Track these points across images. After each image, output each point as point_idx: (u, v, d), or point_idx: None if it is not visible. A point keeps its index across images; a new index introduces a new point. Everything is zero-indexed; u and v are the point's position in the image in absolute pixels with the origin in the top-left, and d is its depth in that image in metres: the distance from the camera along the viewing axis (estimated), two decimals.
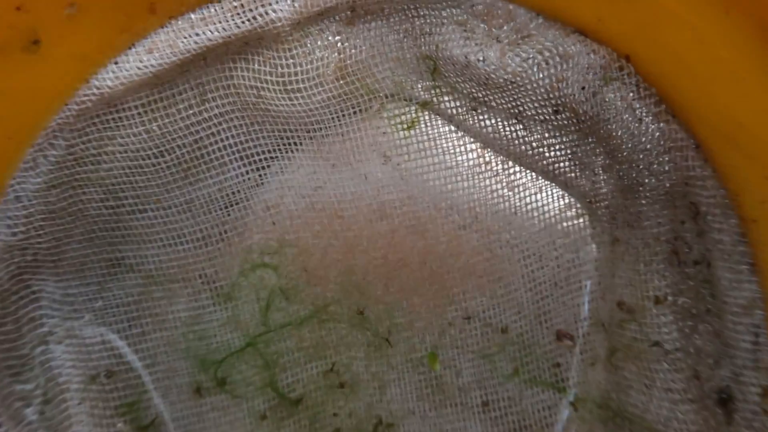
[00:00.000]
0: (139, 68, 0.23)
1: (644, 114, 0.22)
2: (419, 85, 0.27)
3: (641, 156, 0.23)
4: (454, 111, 0.27)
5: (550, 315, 0.28)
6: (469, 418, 0.29)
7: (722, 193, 0.23)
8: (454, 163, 0.28)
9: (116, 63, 0.23)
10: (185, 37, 0.23)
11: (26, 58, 0.20)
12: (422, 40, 0.25)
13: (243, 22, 0.23)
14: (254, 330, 0.29)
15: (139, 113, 0.25)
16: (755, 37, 0.18)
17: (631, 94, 0.22)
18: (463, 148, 0.28)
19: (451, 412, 0.29)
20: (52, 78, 0.22)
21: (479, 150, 0.28)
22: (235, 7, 0.23)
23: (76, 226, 0.26)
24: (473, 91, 0.26)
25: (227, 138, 0.27)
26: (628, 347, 0.25)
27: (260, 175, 0.28)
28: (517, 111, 0.26)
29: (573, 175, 0.27)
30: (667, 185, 0.23)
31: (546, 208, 0.28)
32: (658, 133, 0.22)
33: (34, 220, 0.24)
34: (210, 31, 0.23)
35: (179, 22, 0.23)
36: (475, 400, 0.28)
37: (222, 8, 0.23)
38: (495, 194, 0.28)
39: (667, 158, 0.23)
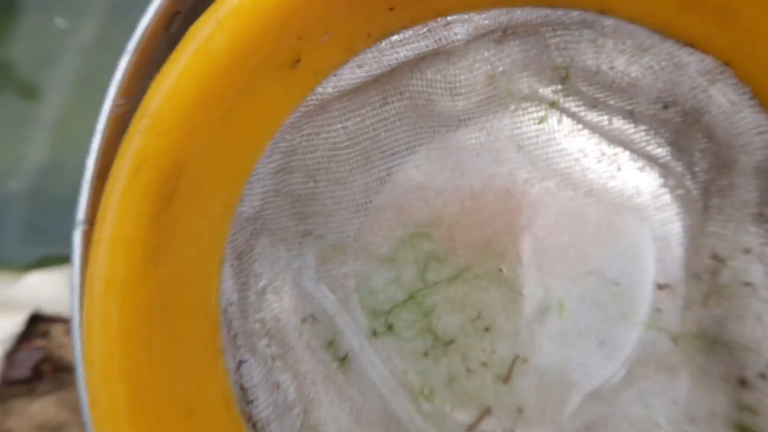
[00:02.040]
0: (351, 79, 0.31)
1: (741, 106, 0.30)
2: (549, 89, 0.34)
3: (737, 139, 0.30)
4: (577, 109, 0.34)
5: (651, 270, 0.35)
6: (589, 354, 0.35)
7: None
8: (574, 151, 0.35)
9: (335, 75, 0.31)
10: (387, 55, 0.31)
11: (289, 72, 0.28)
12: (558, 53, 0.32)
13: (431, 42, 0.31)
14: (414, 286, 0.36)
15: (339, 113, 0.33)
16: None
17: (731, 92, 0.30)
18: (582, 139, 0.35)
19: (573, 350, 0.35)
20: (296, 88, 0.29)
21: (596, 140, 0.35)
22: (425, 31, 0.31)
23: (286, 203, 0.33)
24: (596, 92, 0.33)
25: (398, 132, 0.34)
26: (721, 289, 0.32)
27: (419, 161, 0.36)
28: (630, 108, 0.33)
29: (669, 157, 0.34)
30: (757, 161, 0.30)
31: (648, 184, 0.35)
32: (750, 120, 0.30)
33: (266, 196, 0.32)
34: (405, 50, 0.31)
35: (382, 44, 0.31)
36: (592, 340, 0.35)
37: (414, 31, 0.31)
38: (606, 174, 0.35)
39: (758, 140, 0.30)
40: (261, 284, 0.33)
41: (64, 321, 0.46)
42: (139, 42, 0.27)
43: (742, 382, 0.31)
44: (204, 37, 0.23)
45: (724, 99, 0.29)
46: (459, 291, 0.35)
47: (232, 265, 0.31)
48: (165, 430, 0.25)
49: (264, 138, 0.30)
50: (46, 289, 0.50)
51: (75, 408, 0.47)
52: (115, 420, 0.23)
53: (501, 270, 0.35)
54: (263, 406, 0.31)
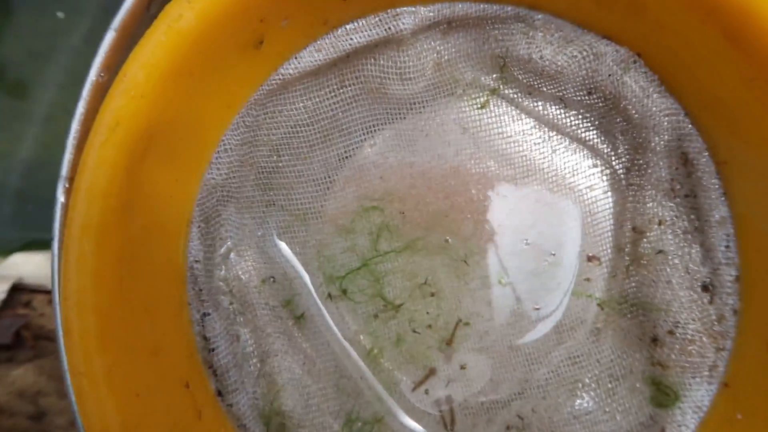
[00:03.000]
0: (310, 62, 0.34)
1: (651, 92, 0.34)
2: (490, 77, 0.38)
3: (649, 121, 0.34)
4: (515, 95, 0.38)
5: (582, 244, 0.39)
6: (524, 319, 0.39)
7: (703, 145, 0.34)
8: (513, 134, 0.39)
9: (296, 58, 0.34)
10: (342, 41, 0.34)
11: (254, 52, 0.31)
12: (496, 44, 0.36)
13: (381, 31, 0.34)
14: (367, 255, 0.39)
15: (300, 94, 0.36)
16: (722, 39, 0.30)
17: (642, 79, 0.34)
18: (519, 122, 0.39)
19: (510, 315, 0.39)
20: (261, 68, 0.33)
21: (531, 123, 0.39)
22: (376, 21, 0.34)
23: (251, 173, 0.37)
24: (530, 80, 0.37)
25: (354, 113, 0.38)
26: (640, 258, 0.36)
27: (374, 141, 0.39)
28: (560, 95, 0.37)
29: (598, 140, 0.38)
30: (666, 140, 0.34)
31: (578, 165, 0.39)
32: (660, 105, 0.34)
33: (232, 166, 0.35)
34: (358, 37, 0.34)
35: (338, 31, 0.34)
36: (528, 306, 0.39)
37: (366, 21, 0.34)
38: (542, 156, 0.39)
39: (666, 122, 0.34)
40: (226, 247, 0.36)
41: (46, 292, 0.49)
42: (122, 21, 0.31)
43: (654, 340, 0.35)
44: (176, 14, 0.27)
45: (636, 85, 0.34)
46: (408, 260, 0.39)
47: (199, 226, 0.34)
48: (131, 363, 0.28)
49: (230, 112, 0.34)
50: (30, 265, 0.53)
51: (53, 375, 0.50)
52: (86, 347, 0.26)
53: (447, 241, 0.39)
54: (223, 355, 0.34)
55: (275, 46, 0.32)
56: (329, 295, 0.38)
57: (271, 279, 0.37)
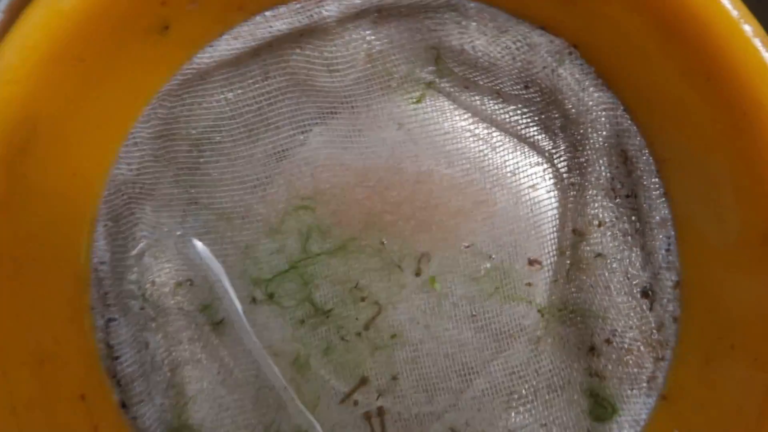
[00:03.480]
0: (227, 50, 0.32)
1: (587, 85, 0.32)
2: (425, 69, 0.36)
3: (586, 115, 0.32)
4: (451, 89, 0.36)
5: (523, 246, 0.37)
6: (461, 326, 0.37)
7: (642, 142, 0.32)
8: (451, 130, 0.37)
9: (211, 46, 0.32)
10: (261, 28, 0.32)
11: (159, 38, 0.29)
12: (429, 35, 0.34)
13: (303, 18, 0.32)
14: (296, 257, 0.37)
15: (221, 85, 0.34)
16: (657, 29, 0.28)
17: (577, 71, 0.32)
18: (458, 118, 0.37)
19: (447, 322, 0.37)
20: (170, 55, 0.31)
21: (470, 120, 0.37)
22: (298, 7, 0.32)
23: (169, 170, 0.34)
24: (466, 73, 0.35)
25: (282, 107, 0.36)
26: (579, 261, 0.34)
27: (304, 137, 0.37)
28: (497, 89, 0.35)
29: (539, 137, 0.36)
30: (605, 136, 0.32)
31: (519, 164, 0.37)
32: (597, 98, 0.32)
33: (144, 161, 0.33)
34: (279, 24, 0.32)
35: (257, 18, 0.32)
36: (465, 312, 0.37)
37: (288, 8, 0.32)
38: (481, 154, 0.37)
39: (603, 117, 0.32)
40: (139, 247, 0.34)
41: None
42: (11, 2, 0.28)
43: (592, 349, 0.33)
44: None
45: (571, 78, 0.32)
46: (340, 262, 0.37)
47: (105, 225, 0.32)
48: (7, 374, 0.25)
49: (139, 102, 0.31)
50: None
51: None
52: None
53: (382, 243, 0.37)
54: (129, 363, 0.31)
55: (184, 31, 0.29)
56: (253, 299, 0.36)
57: (189, 282, 0.34)
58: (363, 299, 0.36)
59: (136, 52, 0.29)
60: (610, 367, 0.32)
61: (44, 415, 0.26)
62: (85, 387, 0.29)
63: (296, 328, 0.36)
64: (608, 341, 0.32)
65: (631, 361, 0.31)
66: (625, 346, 0.32)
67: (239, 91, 0.34)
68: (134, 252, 0.34)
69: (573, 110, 0.32)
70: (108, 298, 0.32)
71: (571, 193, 0.35)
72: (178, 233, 0.35)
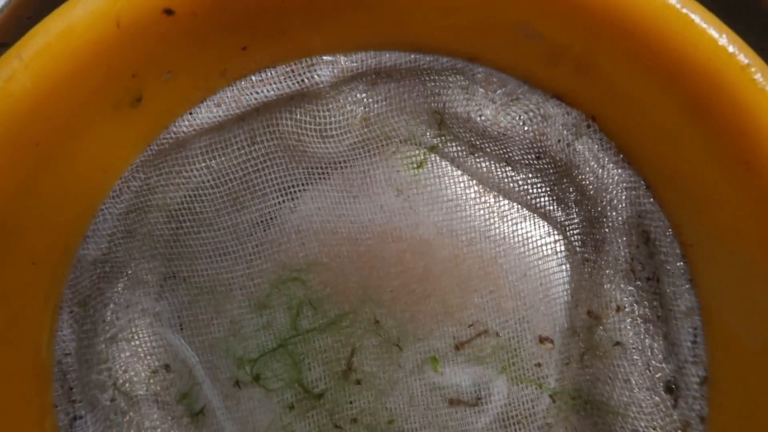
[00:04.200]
0: (209, 118, 0.29)
1: (606, 162, 0.29)
2: (428, 133, 0.33)
3: (604, 194, 0.29)
4: (456, 155, 0.33)
5: (532, 323, 0.34)
6: (466, 411, 0.34)
7: (666, 224, 0.29)
8: (455, 197, 0.34)
9: (191, 113, 0.29)
10: (247, 95, 0.29)
11: (129, 111, 0.26)
12: (432, 98, 0.31)
13: (293, 83, 0.29)
14: (285, 334, 0.34)
15: (201, 153, 0.31)
16: (684, 107, 0.25)
17: (596, 146, 0.29)
18: (462, 185, 0.34)
19: (449, 408, 0.34)
20: (144, 126, 0.28)
21: (476, 187, 0.34)
22: (287, 71, 0.29)
23: (144, 244, 0.31)
24: (472, 139, 0.32)
25: (269, 173, 0.33)
26: (596, 347, 0.31)
27: (293, 204, 0.34)
28: (507, 156, 0.32)
29: (551, 208, 0.33)
30: (625, 217, 0.29)
31: (529, 234, 0.34)
32: (617, 177, 0.29)
33: (115, 238, 0.30)
34: (267, 90, 0.29)
35: (242, 83, 0.29)
36: (470, 395, 0.34)
37: (276, 72, 0.29)
38: (488, 222, 0.34)
39: (624, 196, 0.29)
40: (112, 331, 0.31)
41: None
42: None
43: None
44: (6, 76, 0.21)
45: (589, 154, 0.29)
46: (332, 340, 0.34)
47: (71, 311, 0.29)
48: None
49: (108, 177, 0.28)
50: None
51: None
52: None
53: (377, 320, 0.34)
54: None
55: (159, 102, 0.26)
56: (238, 382, 0.33)
57: (165, 368, 0.31)
58: (358, 382, 0.33)
59: (104, 127, 0.26)
60: None
61: None
62: None
63: (285, 413, 0.33)
64: None
65: None
66: None
67: (222, 158, 0.31)
68: (106, 337, 0.30)
69: (590, 187, 0.29)
70: (73, 394, 0.28)
71: (586, 269, 0.32)
72: (155, 310, 0.32)
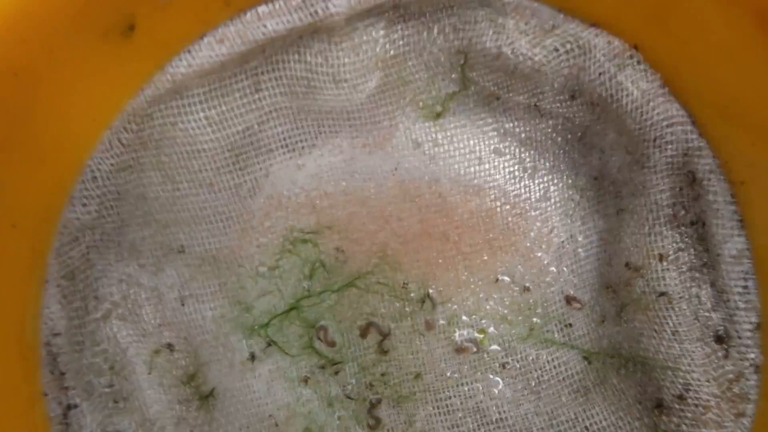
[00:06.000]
0: (210, 57, 0.26)
1: (652, 95, 0.27)
2: (449, 78, 0.30)
3: (649, 132, 0.27)
4: (477, 103, 0.30)
5: (560, 281, 0.32)
6: (492, 376, 0.31)
7: (715, 161, 0.27)
8: (476, 149, 0.32)
9: (189, 51, 0.25)
10: (253, 29, 0.26)
11: (121, 42, 0.22)
12: (454, 35, 0.29)
13: (305, 15, 0.26)
14: (297, 296, 0.31)
15: (200, 100, 0.27)
16: (751, 23, 0.23)
17: (641, 79, 0.27)
18: (484, 136, 0.31)
19: (475, 371, 0.31)
20: (137, 63, 0.24)
21: (499, 137, 0.31)
22: (299, 1, 0.26)
23: (137, 209, 0.28)
24: (498, 83, 0.29)
25: (275, 126, 0.29)
26: (637, 301, 0.29)
27: (302, 161, 0.31)
28: (535, 102, 0.29)
29: (582, 156, 0.31)
30: (669, 156, 0.27)
31: (557, 186, 0.32)
32: (662, 111, 0.27)
33: (106, 200, 0.26)
34: (275, 23, 0.26)
35: (248, 15, 0.26)
36: (497, 360, 0.31)
37: (286, 3, 0.26)
38: (511, 175, 0.32)
39: (669, 132, 0.27)
40: (104, 308, 0.27)
41: None
42: None
43: (659, 406, 0.28)
44: None
45: (633, 87, 0.26)
46: (350, 302, 0.31)
47: (59, 285, 0.25)
48: None
49: (97, 126, 0.24)
50: None
51: None
52: None
53: (396, 279, 0.31)
54: None
55: (154, 32, 0.23)
56: (251, 356, 0.30)
57: (168, 347, 0.28)
58: (379, 345, 0.30)
59: (93, 60, 0.22)
60: (684, 427, 0.27)
61: None
62: None
63: (303, 386, 0.30)
64: (681, 397, 0.27)
65: (710, 420, 0.27)
66: (702, 402, 0.27)
67: (223, 108, 0.28)
68: (98, 315, 0.27)
69: (633, 125, 0.27)
70: (65, 380, 0.25)
71: (621, 220, 0.30)
72: (152, 284, 0.29)
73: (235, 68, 0.27)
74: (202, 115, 0.27)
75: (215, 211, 0.29)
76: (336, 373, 0.30)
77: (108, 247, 0.27)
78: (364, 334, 0.31)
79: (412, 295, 0.31)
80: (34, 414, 0.23)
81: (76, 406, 0.25)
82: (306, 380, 0.30)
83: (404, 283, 0.31)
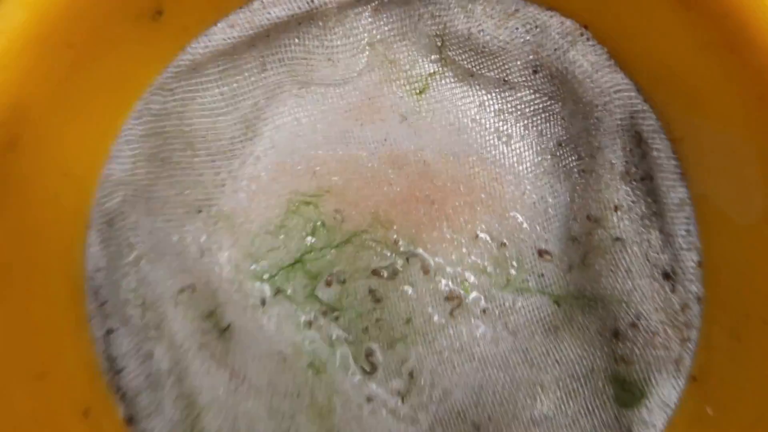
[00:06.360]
0: (223, 39, 0.30)
1: (599, 66, 0.31)
2: (429, 58, 0.35)
3: (599, 99, 0.31)
4: (455, 79, 0.35)
5: (533, 236, 0.36)
6: (475, 321, 0.36)
7: (657, 123, 0.31)
8: (455, 121, 0.36)
9: (206, 35, 0.30)
10: (260, 15, 0.31)
11: (151, 25, 0.27)
12: (432, 21, 0.33)
13: (304, 4, 0.31)
14: (302, 251, 0.35)
15: (215, 78, 0.32)
16: (675, 1, 0.27)
17: (590, 53, 0.31)
18: (462, 109, 0.36)
19: (459, 317, 0.35)
20: (163, 44, 0.29)
21: (475, 110, 0.36)
22: None
23: (164, 170, 0.32)
24: (472, 61, 0.34)
25: (279, 101, 0.34)
26: (597, 247, 0.33)
27: (303, 132, 0.36)
28: (504, 76, 0.34)
29: (547, 124, 0.35)
30: (618, 119, 0.32)
31: (527, 152, 0.36)
32: (609, 80, 0.31)
33: (137, 160, 0.31)
34: (278, 11, 0.31)
35: (255, 4, 0.31)
36: (478, 306, 0.36)
37: None
38: (487, 143, 0.36)
39: (617, 98, 0.31)
40: (134, 254, 0.31)
41: None
42: None
43: (616, 335, 0.32)
44: None
45: (583, 59, 0.31)
46: (349, 256, 0.35)
47: (100, 230, 0.30)
48: (6, 388, 0.23)
49: (131, 96, 0.29)
50: None
51: None
52: None
53: (387, 237, 0.35)
54: (132, 376, 0.29)
55: (178, 18, 0.28)
56: (263, 301, 0.34)
57: (191, 289, 0.32)
58: (373, 294, 0.35)
59: (128, 38, 0.27)
60: (637, 351, 0.31)
61: None
62: (88, 402, 0.26)
63: (307, 328, 0.34)
64: (634, 325, 0.31)
65: (659, 343, 0.31)
66: (652, 328, 0.31)
67: (235, 85, 0.33)
68: (130, 258, 0.31)
69: (585, 94, 0.32)
70: (106, 308, 0.29)
71: (582, 180, 0.34)
72: (176, 238, 0.33)
73: (244, 50, 0.32)
74: (217, 90, 0.32)
75: (230, 176, 0.34)
76: (336, 318, 0.35)
77: (139, 202, 0.32)
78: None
79: (402, 250, 0.36)
80: (80, 334, 0.28)
81: (115, 331, 0.29)
82: (310, 324, 0.35)
83: (395, 240, 0.36)
